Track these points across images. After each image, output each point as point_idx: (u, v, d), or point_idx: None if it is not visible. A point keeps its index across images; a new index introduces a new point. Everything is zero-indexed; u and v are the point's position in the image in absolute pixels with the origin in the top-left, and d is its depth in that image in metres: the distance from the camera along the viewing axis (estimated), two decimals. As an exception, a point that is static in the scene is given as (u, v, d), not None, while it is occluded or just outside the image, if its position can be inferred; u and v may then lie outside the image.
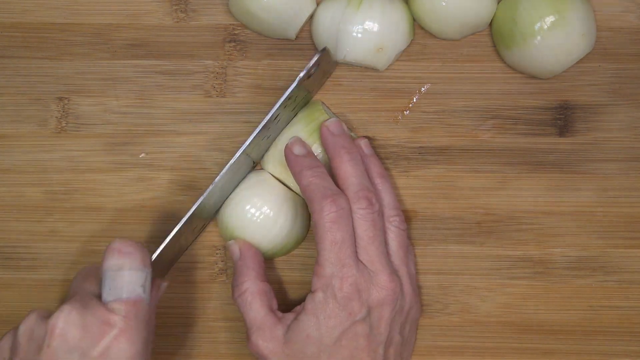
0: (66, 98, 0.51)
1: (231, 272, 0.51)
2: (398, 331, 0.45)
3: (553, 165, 0.51)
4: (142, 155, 0.51)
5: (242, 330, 0.51)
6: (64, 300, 0.41)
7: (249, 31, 0.52)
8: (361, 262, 0.44)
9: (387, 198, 0.47)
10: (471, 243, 0.51)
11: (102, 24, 0.52)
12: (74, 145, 0.51)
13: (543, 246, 0.51)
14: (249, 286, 0.46)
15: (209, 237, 0.51)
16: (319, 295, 0.43)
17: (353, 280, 0.43)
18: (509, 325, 0.50)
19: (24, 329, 0.40)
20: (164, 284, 0.45)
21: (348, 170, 0.45)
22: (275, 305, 0.46)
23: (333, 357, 0.43)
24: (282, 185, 0.49)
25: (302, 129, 0.48)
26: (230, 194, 0.49)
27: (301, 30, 0.51)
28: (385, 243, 0.45)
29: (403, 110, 0.51)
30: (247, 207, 0.47)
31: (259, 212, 0.47)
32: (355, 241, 0.44)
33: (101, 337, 0.39)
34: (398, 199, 0.48)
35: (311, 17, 0.50)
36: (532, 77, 0.51)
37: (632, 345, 0.50)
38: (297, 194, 0.49)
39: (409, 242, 0.50)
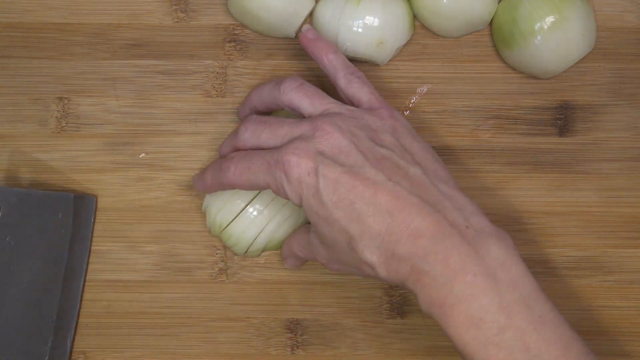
0: (66, 98, 0.51)
1: (232, 272, 0.51)
2: (375, 145, 0.40)
3: (553, 165, 0.51)
4: (142, 155, 0.51)
5: (242, 330, 0.51)
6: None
7: (249, 31, 0.52)
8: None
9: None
10: (471, 243, 0.51)
11: (102, 24, 0.52)
12: (74, 145, 0.51)
13: (543, 246, 0.51)
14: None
15: (209, 237, 0.51)
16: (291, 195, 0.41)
17: (309, 121, 0.42)
18: (509, 325, 0.50)
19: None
20: None
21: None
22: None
23: (342, 217, 0.39)
24: None
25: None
26: None
27: (301, 28, 0.51)
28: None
29: (403, 110, 0.51)
30: (238, 202, 0.47)
31: (252, 208, 0.47)
32: None
33: None
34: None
35: (310, 14, 0.50)
36: (532, 77, 0.51)
37: (632, 345, 0.50)
38: None
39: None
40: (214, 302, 0.51)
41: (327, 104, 0.43)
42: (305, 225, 0.47)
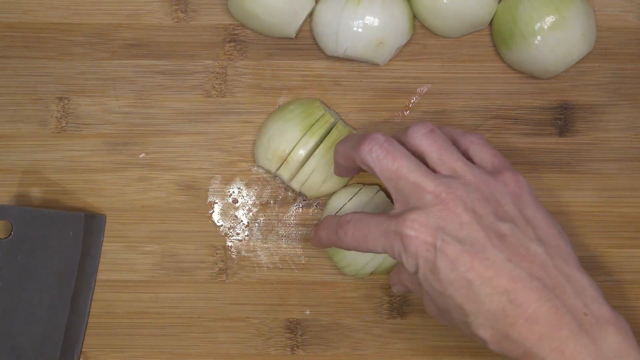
0: (66, 98, 0.51)
1: (232, 272, 0.51)
2: (498, 220, 0.39)
3: (553, 165, 0.51)
4: (142, 155, 0.51)
5: (242, 330, 0.51)
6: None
7: (249, 31, 0.52)
8: (439, 173, 0.40)
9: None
10: (471, 243, 0.51)
11: (102, 24, 0.52)
12: (74, 145, 0.51)
13: (543, 246, 0.51)
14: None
15: (209, 237, 0.51)
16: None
17: (432, 188, 0.39)
18: (509, 325, 0.50)
19: None
20: None
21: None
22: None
23: (458, 295, 0.38)
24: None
25: (298, 124, 0.48)
26: None
27: (301, 28, 0.51)
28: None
29: (403, 110, 0.51)
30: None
31: None
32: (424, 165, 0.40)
33: None
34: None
35: (310, 14, 0.50)
36: (532, 77, 0.51)
37: (632, 345, 0.50)
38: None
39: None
40: (214, 302, 0.51)
41: (454, 160, 0.40)
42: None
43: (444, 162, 0.40)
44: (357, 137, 0.42)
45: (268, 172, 0.50)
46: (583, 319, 0.37)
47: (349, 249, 0.42)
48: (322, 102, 0.50)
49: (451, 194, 0.38)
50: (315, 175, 0.48)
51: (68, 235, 0.48)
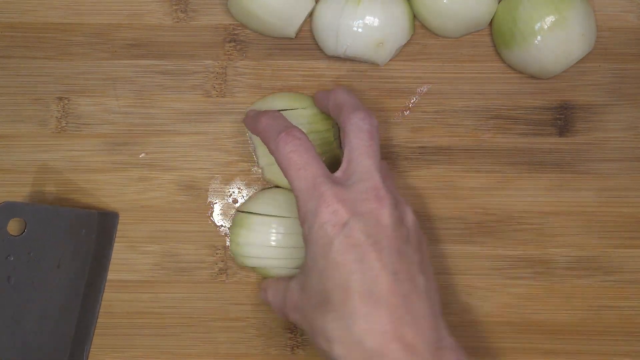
0: (66, 98, 0.51)
1: (232, 272, 0.51)
2: (408, 242, 0.40)
3: (553, 165, 0.51)
4: (142, 155, 0.51)
5: (242, 330, 0.51)
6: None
7: (249, 31, 0.52)
8: (342, 175, 0.41)
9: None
10: (471, 243, 0.51)
11: (102, 24, 0.52)
12: (74, 145, 0.51)
13: (543, 246, 0.51)
14: (264, 286, 0.46)
15: (209, 237, 0.51)
16: (304, 227, 0.40)
17: (330, 193, 0.39)
18: (509, 325, 0.50)
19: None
20: None
21: (341, 95, 0.44)
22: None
23: (334, 279, 0.38)
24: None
25: (303, 126, 0.48)
26: None
27: (301, 28, 0.51)
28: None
29: (403, 110, 0.51)
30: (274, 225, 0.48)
31: (274, 234, 0.48)
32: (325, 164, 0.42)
33: None
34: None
35: (310, 14, 0.50)
36: (532, 77, 0.51)
37: (632, 345, 0.50)
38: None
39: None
40: (214, 302, 0.51)
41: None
42: (285, 277, 0.46)
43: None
44: (282, 123, 0.42)
45: (249, 139, 0.50)
46: (436, 352, 0.37)
47: (270, 152, 0.42)
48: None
49: (389, 198, 0.40)
50: None
51: (81, 233, 0.48)
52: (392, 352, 0.36)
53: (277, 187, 0.50)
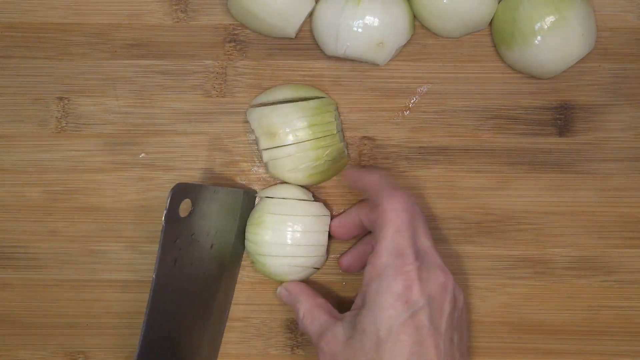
0: (66, 98, 0.51)
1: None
2: (456, 327, 0.42)
3: (553, 165, 0.51)
4: (142, 155, 0.51)
5: (242, 330, 0.51)
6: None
7: (249, 31, 0.52)
8: (420, 250, 0.42)
9: None
10: (471, 243, 0.51)
11: (102, 24, 0.52)
12: (74, 145, 0.51)
13: (543, 246, 0.51)
14: (304, 307, 0.46)
15: (209, 237, 0.51)
16: (373, 285, 0.41)
17: (412, 267, 0.41)
18: (509, 325, 0.50)
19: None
20: None
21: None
22: (335, 312, 0.45)
23: (391, 352, 0.39)
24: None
25: (305, 118, 0.48)
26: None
27: (301, 28, 0.51)
28: None
29: (403, 110, 0.51)
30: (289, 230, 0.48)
31: (291, 235, 0.48)
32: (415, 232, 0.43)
33: None
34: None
35: (310, 14, 0.50)
36: (532, 77, 0.51)
37: (632, 345, 0.50)
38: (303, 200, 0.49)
39: None
40: (214, 302, 0.51)
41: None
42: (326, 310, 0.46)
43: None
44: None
45: (252, 130, 0.50)
46: None
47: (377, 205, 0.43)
48: (337, 109, 0.50)
49: (451, 281, 0.42)
50: (288, 160, 0.48)
51: (229, 212, 0.48)
52: None
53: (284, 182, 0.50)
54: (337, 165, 0.50)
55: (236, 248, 0.49)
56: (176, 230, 0.43)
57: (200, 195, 0.45)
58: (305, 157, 0.48)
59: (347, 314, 0.43)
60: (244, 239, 0.49)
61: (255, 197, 0.50)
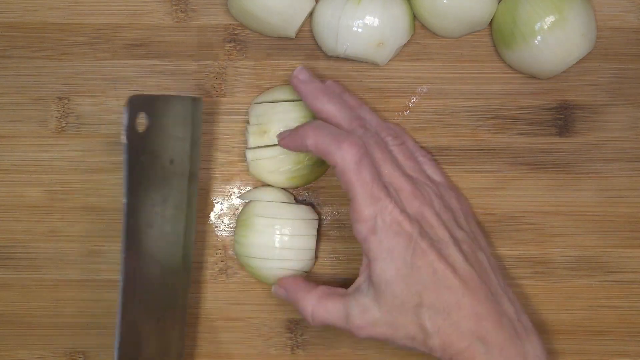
0: (66, 98, 0.51)
1: (232, 272, 0.51)
2: (457, 227, 0.45)
3: (553, 165, 0.51)
4: (142, 155, 0.51)
5: (242, 330, 0.51)
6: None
7: (249, 31, 0.52)
8: (387, 182, 0.43)
9: (373, 121, 0.48)
10: (471, 243, 0.51)
11: (102, 24, 0.52)
12: (74, 145, 0.51)
13: (543, 246, 0.51)
14: (311, 303, 0.45)
15: (209, 237, 0.51)
16: (372, 239, 0.42)
17: (391, 207, 0.42)
18: (509, 325, 0.50)
19: None
20: None
21: (331, 109, 0.45)
22: (341, 289, 0.45)
23: (420, 282, 0.41)
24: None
25: (298, 121, 0.48)
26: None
27: (301, 28, 0.51)
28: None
29: (403, 110, 0.51)
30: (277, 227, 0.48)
31: (279, 236, 0.48)
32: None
33: None
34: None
35: (310, 14, 0.50)
36: (532, 77, 0.51)
37: (632, 345, 0.50)
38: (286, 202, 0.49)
39: (418, 148, 0.50)
40: (214, 302, 0.51)
41: (418, 171, 0.46)
42: (335, 293, 0.45)
43: (409, 168, 0.46)
44: (336, 134, 0.43)
45: (246, 121, 0.50)
46: (517, 325, 0.43)
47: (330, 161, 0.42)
48: None
49: (426, 209, 0.43)
50: (270, 162, 0.48)
51: (182, 120, 0.46)
52: (483, 329, 0.41)
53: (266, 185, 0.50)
54: (319, 170, 0.50)
55: (194, 158, 0.48)
56: (138, 147, 0.42)
57: (154, 107, 0.44)
58: (287, 159, 0.48)
59: (357, 280, 0.44)
60: (198, 147, 0.48)
61: (201, 103, 0.49)
